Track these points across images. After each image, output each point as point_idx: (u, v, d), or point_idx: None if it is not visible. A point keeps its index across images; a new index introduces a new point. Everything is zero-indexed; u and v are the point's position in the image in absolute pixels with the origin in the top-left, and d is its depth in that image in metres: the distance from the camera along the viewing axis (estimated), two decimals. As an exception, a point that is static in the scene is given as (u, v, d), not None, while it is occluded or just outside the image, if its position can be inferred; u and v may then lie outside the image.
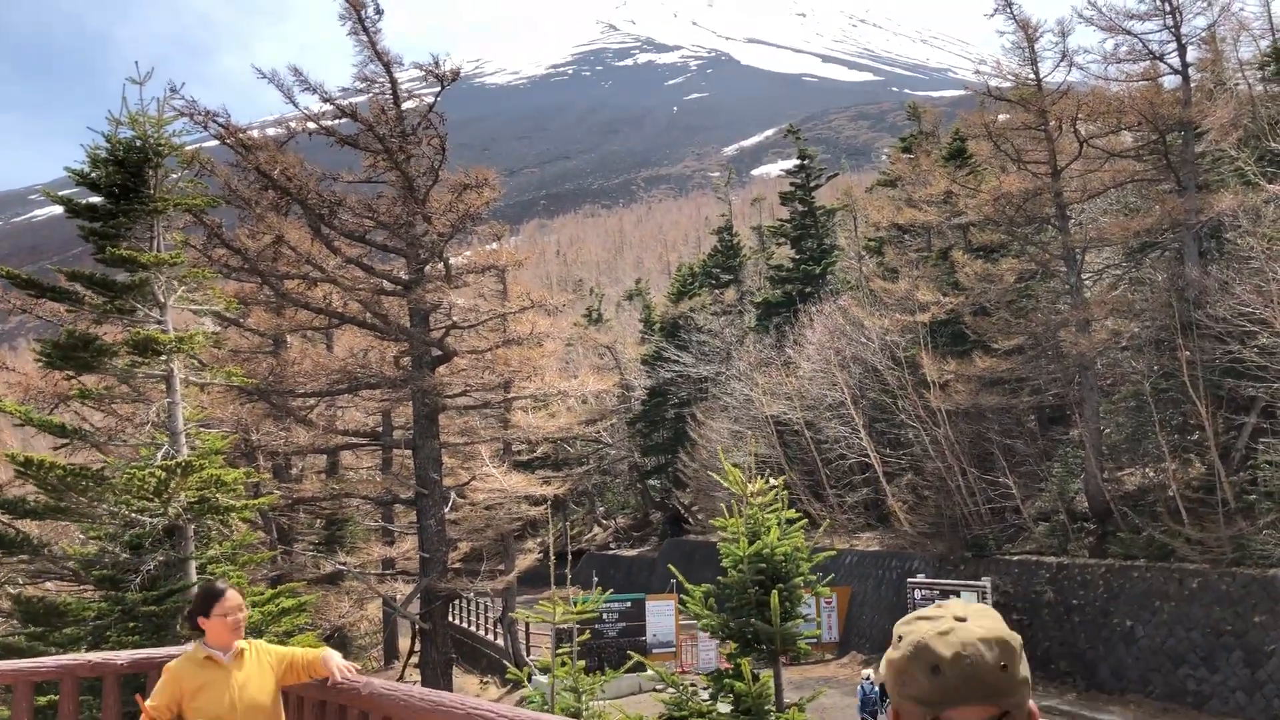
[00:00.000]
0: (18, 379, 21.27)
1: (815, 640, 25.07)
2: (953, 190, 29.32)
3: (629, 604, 27.76)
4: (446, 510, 24.66)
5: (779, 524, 8.88)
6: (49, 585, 19.23)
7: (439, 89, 23.83)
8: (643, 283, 73.10)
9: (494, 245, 28.82)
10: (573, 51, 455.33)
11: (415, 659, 26.30)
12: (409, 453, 28.64)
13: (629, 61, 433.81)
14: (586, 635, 10.11)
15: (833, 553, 12.65)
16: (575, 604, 9.29)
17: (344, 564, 23.60)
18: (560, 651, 8.64)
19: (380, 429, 29.96)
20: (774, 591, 8.31)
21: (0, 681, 6.76)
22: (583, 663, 9.35)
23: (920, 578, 26.73)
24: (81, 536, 14.41)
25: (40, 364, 11.69)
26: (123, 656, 7.04)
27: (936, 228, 33.31)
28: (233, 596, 5.06)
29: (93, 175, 11.02)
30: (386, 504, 28.38)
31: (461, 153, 25.84)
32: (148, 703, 4.91)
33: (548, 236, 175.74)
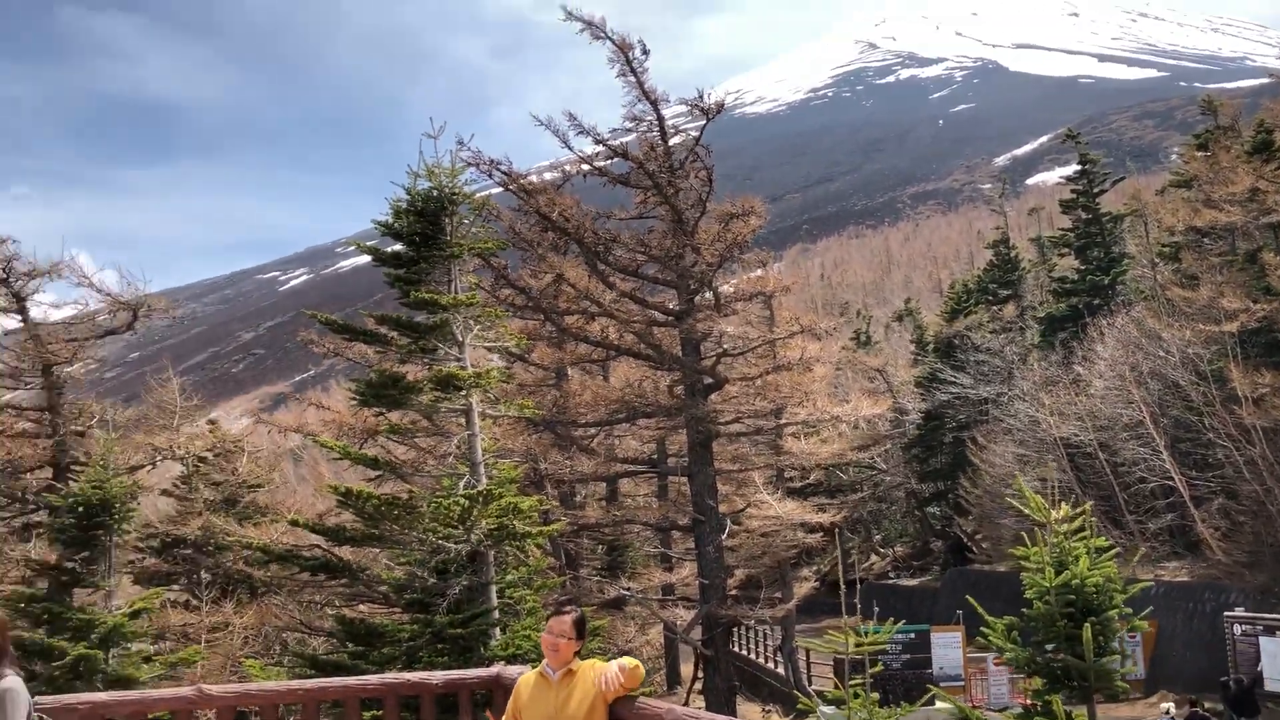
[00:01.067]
0: (331, 417, 23.28)
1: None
2: (1259, 187, 26.75)
3: (913, 635, 26.82)
4: (723, 537, 24.80)
5: (1088, 553, 8.26)
6: (361, 607, 20.79)
7: (704, 122, 24.26)
8: (912, 302, 71.10)
9: (759, 272, 28.89)
10: (831, 74, 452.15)
11: (698, 685, 26.51)
12: (684, 480, 29.08)
13: (890, 79, 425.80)
14: (879, 667, 9.78)
15: (1148, 583, 11.68)
16: (865, 634, 9.03)
17: (627, 589, 24.18)
18: (853, 683, 8.39)
19: (655, 456, 30.57)
20: (1085, 625, 7.73)
21: (333, 696, 7.34)
22: (876, 695, 9.06)
23: (1239, 611, 24.24)
24: (387, 562, 15.43)
25: (355, 402, 12.74)
26: (437, 677, 7.45)
27: (1241, 228, 30.45)
28: (555, 623, 5.60)
29: (396, 225, 11.92)
30: (665, 530, 28.88)
31: (724, 183, 26.16)
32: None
33: (811, 260, 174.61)
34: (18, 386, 18.59)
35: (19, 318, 18.61)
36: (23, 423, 18.19)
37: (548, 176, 27.24)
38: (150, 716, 7.59)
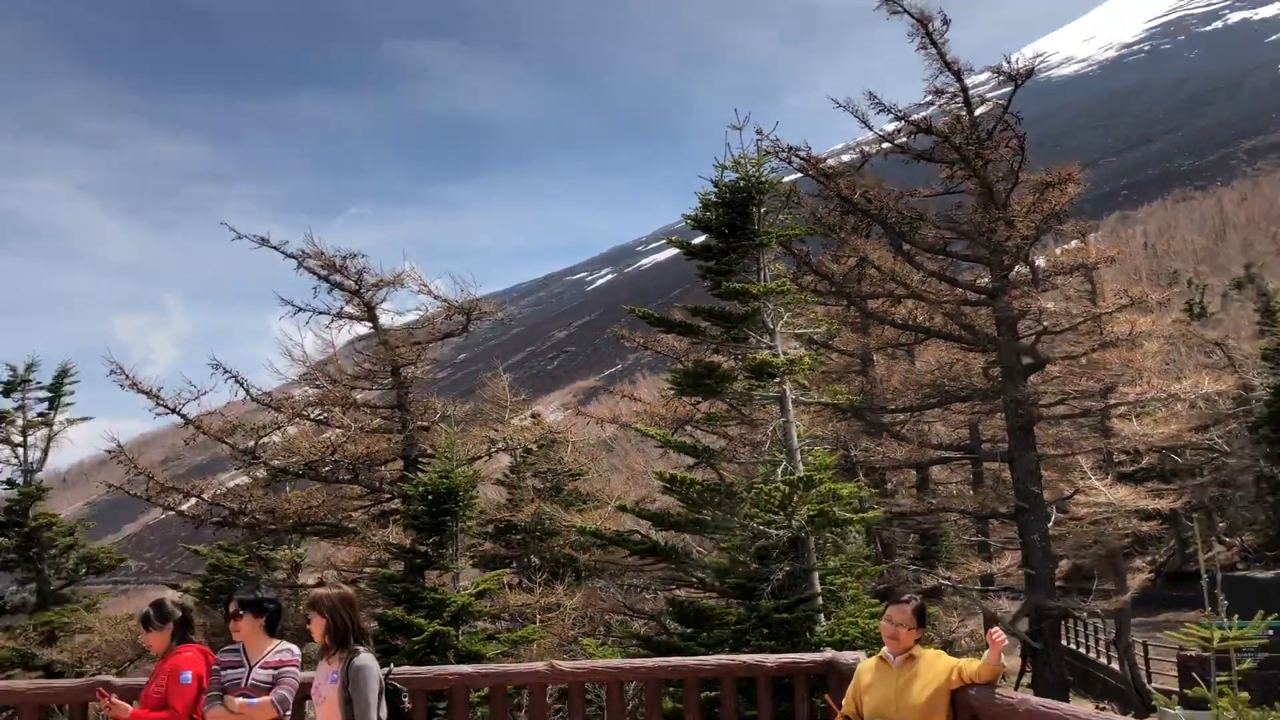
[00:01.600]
0: (641, 408, 24.09)
1: None
2: None
3: (1271, 632, 24.26)
4: (1049, 525, 23.50)
5: None
6: (678, 591, 21.37)
7: (1011, 89, 23.03)
8: (1254, 268, 64.23)
9: (1076, 243, 27.10)
10: (1146, 26, 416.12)
11: (1026, 679, 25.29)
12: (999, 466, 27.75)
13: (1217, 25, 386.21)
14: (1248, 664, 8.89)
15: None
16: (1231, 630, 8.25)
17: (947, 579, 23.43)
18: (1220, 681, 7.69)
19: (968, 442, 29.41)
20: None
21: (672, 675, 7.60)
22: (1245, 695, 8.26)
23: None
24: (699, 549, 15.68)
25: (671, 392, 13.13)
26: (771, 660, 7.55)
27: None
28: (895, 611, 5.76)
29: (705, 218, 12.16)
30: (984, 518, 27.74)
31: (1034, 151, 24.63)
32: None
33: (1132, 228, 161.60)
34: (371, 387, 20.52)
35: (369, 325, 20.52)
36: (376, 420, 20.06)
37: (844, 159, 26.82)
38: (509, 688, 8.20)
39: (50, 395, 22.14)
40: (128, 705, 6.52)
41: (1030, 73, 23.60)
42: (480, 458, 20.66)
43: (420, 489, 15.97)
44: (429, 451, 18.83)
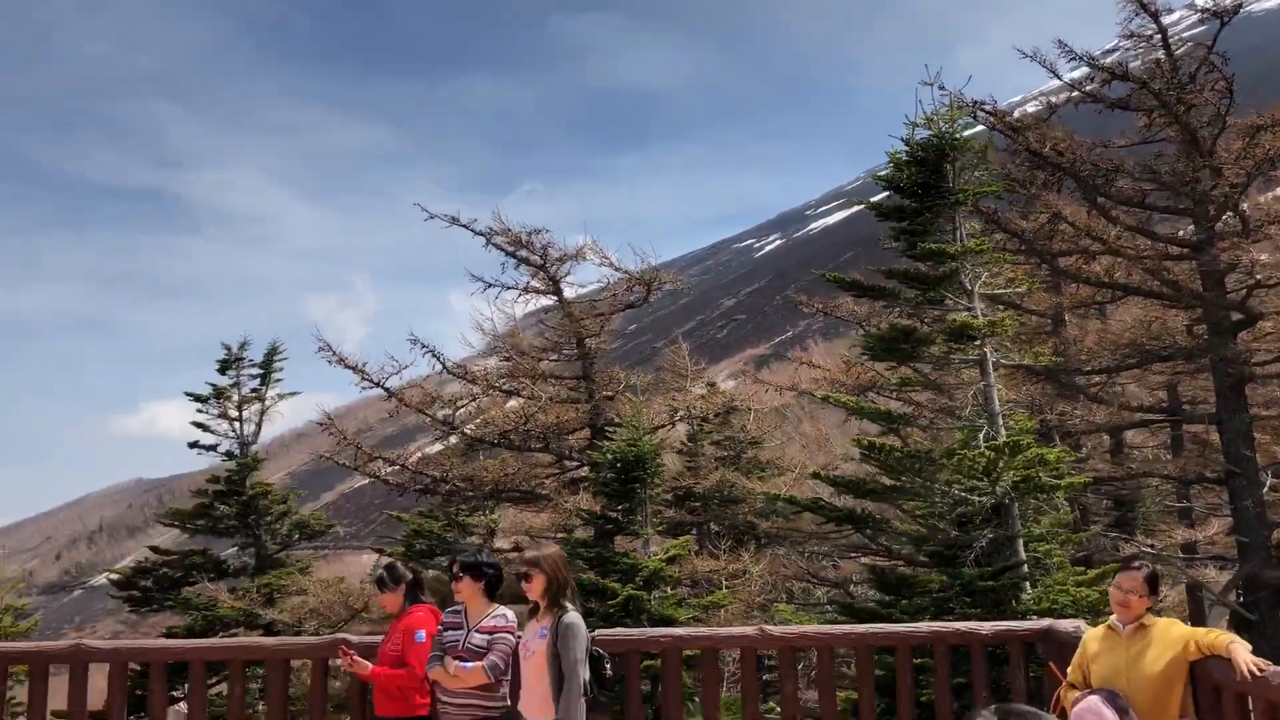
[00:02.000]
0: (820, 374, 23.85)
1: None
2: None
3: None
4: (1263, 491, 22.08)
5: None
6: (863, 559, 21.14)
7: (1218, 27, 21.53)
8: None
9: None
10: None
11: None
12: (1201, 429, 26.21)
13: None
14: None
15: None
16: None
17: (1148, 546, 22.37)
18: None
19: (1165, 404, 27.89)
20: None
21: (883, 642, 7.55)
22: None
23: None
24: (892, 517, 15.47)
25: (864, 357, 12.97)
26: (985, 627, 7.42)
27: None
28: (1124, 578, 5.60)
29: (897, 178, 11.91)
30: (1187, 484, 26.30)
31: (1238, 92, 22.92)
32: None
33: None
34: (557, 359, 21.04)
35: (554, 298, 21.03)
36: (564, 391, 20.57)
37: (1030, 110, 25.69)
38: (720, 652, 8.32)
39: (261, 372, 23.62)
40: (367, 663, 6.90)
41: (1238, 7, 22.02)
42: (664, 426, 20.93)
43: (609, 457, 16.30)
44: (615, 420, 19.20)
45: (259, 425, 23.44)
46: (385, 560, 7.23)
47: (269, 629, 19.50)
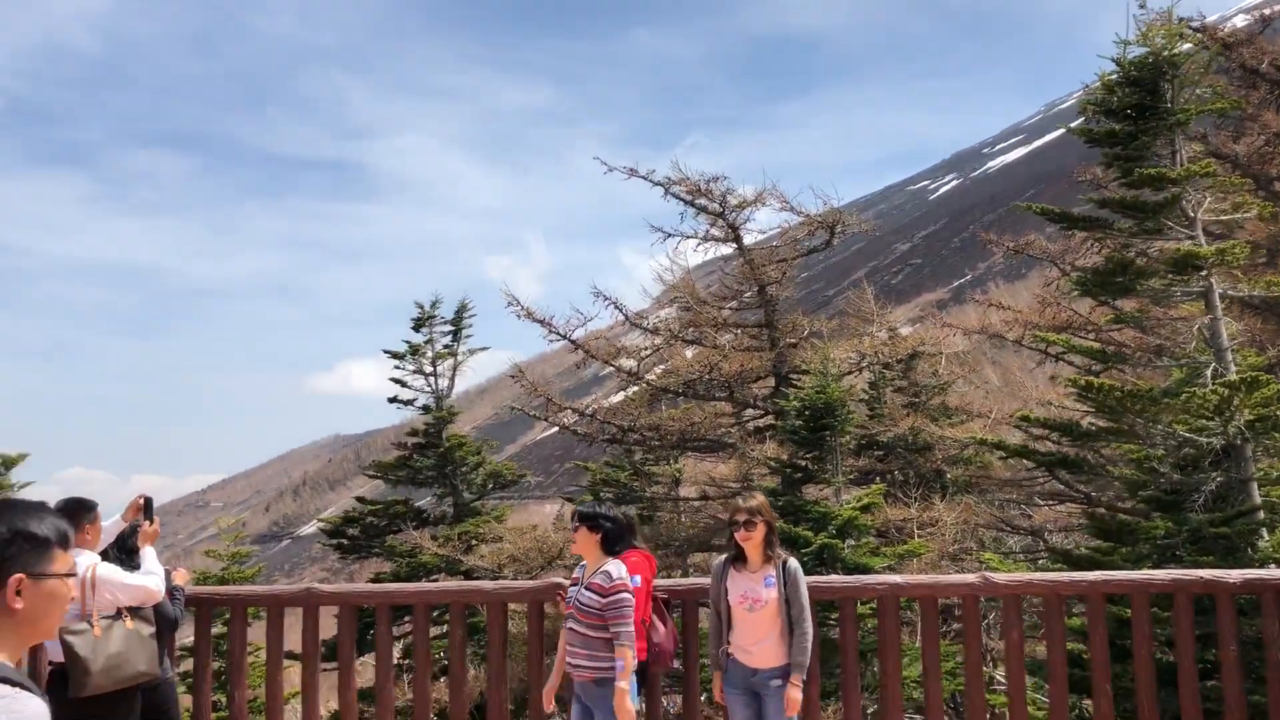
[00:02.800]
0: (1010, 316, 22.85)
1: None
2: None
3: None
4: None
5: None
6: (1058, 506, 20.23)
7: None
8: None
9: None
10: None
11: None
12: None
13: None
14: None
15: None
16: None
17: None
18: None
19: None
20: None
21: (1118, 591, 7.13)
22: None
23: None
24: (1102, 461, 14.70)
25: (1076, 293, 12.26)
26: (1234, 575, 6.91)
27: None
28: None
29: (1108, 100, 11.13)
30: None
31: None
32: None
33: None
34: (739, 306, 20.85)
35: (734, 246, 20.79)
36: (745, 339, 20.38)
37: (1239, 23, 23.74)
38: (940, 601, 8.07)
39: (453, 329, 24.30)
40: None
41: None
42: (850, 373, 20.50)
43: (798, 404, 16.06)
44: (801, 367, 18.90)
45: (452, 380, 24.19)
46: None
47: (469, 574, 20.21)
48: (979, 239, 28.57)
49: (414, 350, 24.05)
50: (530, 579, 18.48)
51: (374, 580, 21.96)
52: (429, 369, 24.01)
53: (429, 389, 24.06)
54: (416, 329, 24.22)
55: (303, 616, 7.90)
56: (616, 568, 6.33)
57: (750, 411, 21.30)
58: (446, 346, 24.10)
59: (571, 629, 6.48)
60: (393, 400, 24.45)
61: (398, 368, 24.13)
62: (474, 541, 22.01)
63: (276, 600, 7.99)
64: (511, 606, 9.99)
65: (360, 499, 24.66)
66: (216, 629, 10.86)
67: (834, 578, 8.10)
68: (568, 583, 7.62)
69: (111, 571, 6.62)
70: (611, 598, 6.24)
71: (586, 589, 6.41)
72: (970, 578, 7.03)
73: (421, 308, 24.24)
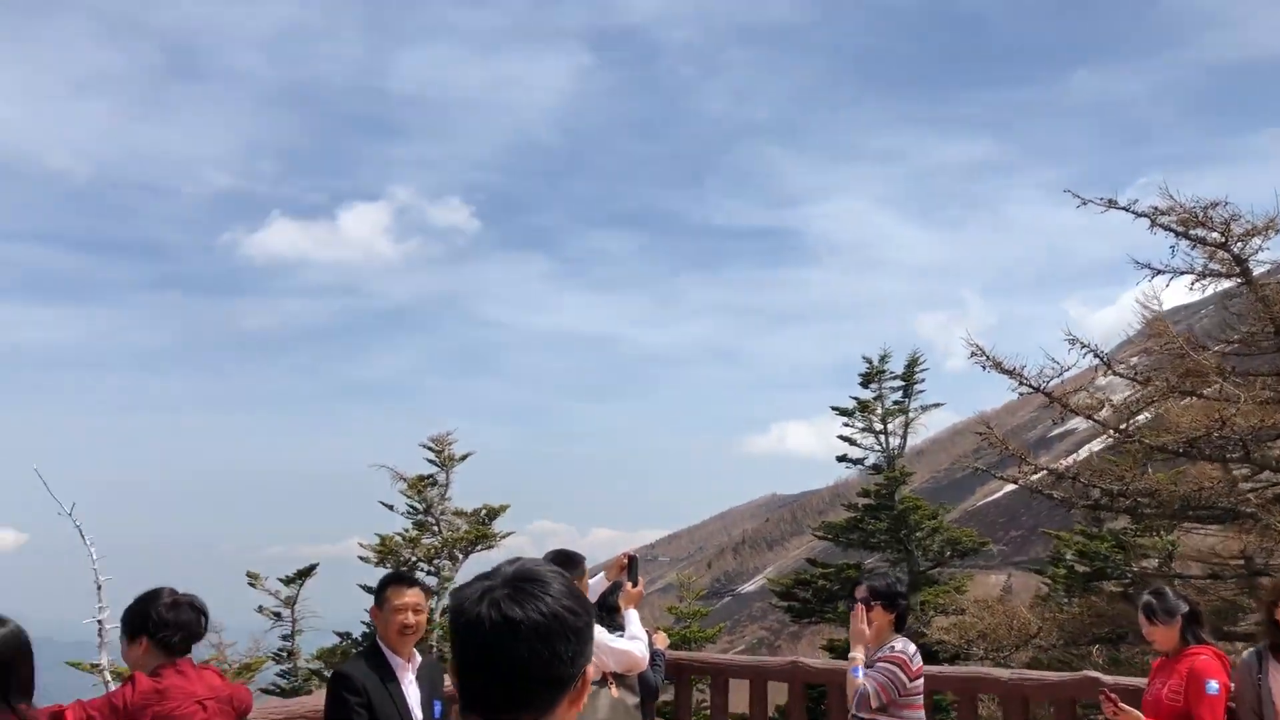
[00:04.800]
0: None
1: None
2: None
3: None
4: None
5: None
6: None
7: None
8: None
9: None
10: None
11: None
12: None
13: None
14: None
15: None
16: None
17: None
18: None
19: None
20: None
21: None
22: None
23: None
24: None
25: None
26: None
27: None
28: None
29: None
30: None
31: None
32: None
33: None
34: (1250, 352, 17.73)
35: (1239, 279, 17.76)
36: (1261, 389, 17.22)
37: None
38: None
39: (903, 384, 23.11)
40: (1137, 712, 5.71)
41: None
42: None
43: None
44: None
45: (904, 438, 22.95)
46: (1154, 587, 5.94)
47: (930, 654, 18.67)
48: None
49: (863, 407, 23.12)
50: (995, 664, 16.76)
51: (827, 648, 21.05)
52: (879, 426, 22.96)
53: (879, 447, 22.98)
54: (865, 384, 23.30)
55: (788, 691, 7.22)
56: (903, 644, 5.45)
57: (1267, 474, 17.95)
58: (897, 403, 22.95)
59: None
60: (842, 459, 23.64)
61: (846, 424, 23.32)
62: (931, 613, 20.46)
63: (759, 673, 7.31)
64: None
65: (811, 560, 23.97)
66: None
67: None
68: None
69: (601, 634, 6.21)
70: (884, 664, 5.35)
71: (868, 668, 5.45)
72: None
73: (870, 363, 23.29)
